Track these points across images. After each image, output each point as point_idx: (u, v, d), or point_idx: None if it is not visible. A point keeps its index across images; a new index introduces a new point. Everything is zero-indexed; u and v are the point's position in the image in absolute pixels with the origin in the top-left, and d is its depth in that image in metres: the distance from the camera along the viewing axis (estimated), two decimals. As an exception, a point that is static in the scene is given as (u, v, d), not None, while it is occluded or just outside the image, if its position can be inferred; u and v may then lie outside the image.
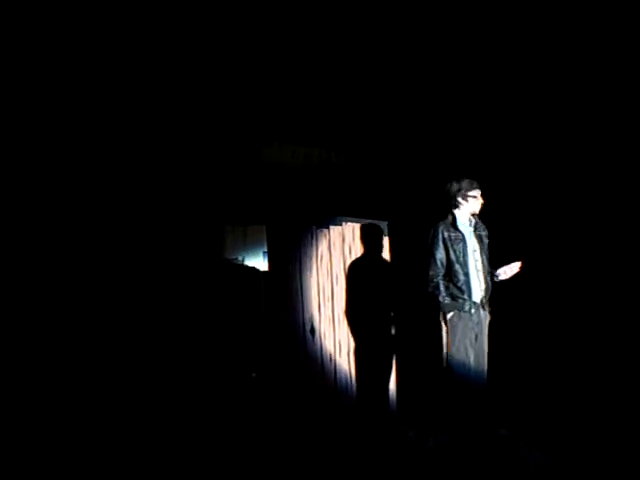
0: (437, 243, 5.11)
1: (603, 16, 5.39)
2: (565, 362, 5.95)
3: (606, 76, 5.72)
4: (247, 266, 9.31)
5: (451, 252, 5.09)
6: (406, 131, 6.51)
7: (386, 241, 6.50)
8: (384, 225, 6.50)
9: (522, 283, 5.36)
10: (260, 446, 5.25)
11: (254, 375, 7.99)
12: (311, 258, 6.35)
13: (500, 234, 5.48)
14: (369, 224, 6.30)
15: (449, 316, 5.05)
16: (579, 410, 5.49)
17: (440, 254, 5.10)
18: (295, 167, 6.84)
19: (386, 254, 6.47)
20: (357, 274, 6.15)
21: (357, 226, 6.50)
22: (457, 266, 5.07)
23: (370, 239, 6.18)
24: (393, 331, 6.16)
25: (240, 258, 9.46)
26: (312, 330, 6.28)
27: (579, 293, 5.96)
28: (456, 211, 5.19)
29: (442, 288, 5.06)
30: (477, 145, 6.29)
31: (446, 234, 5.11)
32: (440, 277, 5.08)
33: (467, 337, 5.03)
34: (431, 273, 5.10)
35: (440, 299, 5.05)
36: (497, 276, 5.21)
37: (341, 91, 6.14)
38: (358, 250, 6.42)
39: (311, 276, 6.35)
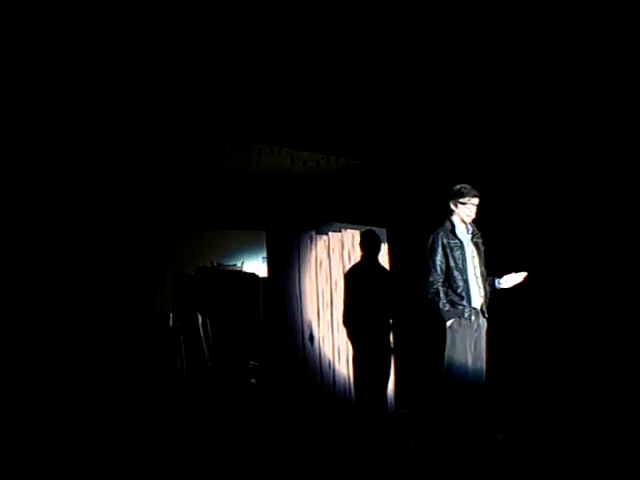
0: (436, 250, 5.09)
1: (603, 16, 5.39)
2: (563, 368, 5.96)
3: (606, 80, 5.72)
4: (246, 272, 9.37)
5: (450, 259, 5.08)
6: (406, 138, 6.52)
7: (385, 248, 6.51)
8: (383, 232, 6.50)
9: (521, 290, 5.35)
10: (260, 452, 5.25)
11: (253, 381, 8.02)
12: (310, 264, 6.34)
13: (501, 242, 5.49)
14: (368, 231, 6.31)
15: (449, 323, 5.02)
16: (577, 416, 5.49)
17: (439, 261, 5.07)
18: (295, 173, 6.86)
19: (385, 261, 6.48)
20: (355, 280, 6.14)
21: (356, 232, 6.49)
22: (456, 273, 5.05)
23: (369, 246, 6.18)
24: (391, 338, 6.17)
25: (239, 263, 9.52)
26: (311, 337, 6.28)
27: (577, 301, 5.97)
28: (453, 218, 5.19)
29: (442, 295, 5.03)
30: (478, 152, 6.30)
31: (445, 241, 5.09)
32: (440, 284, 5.06)
33: (466, 343, 5.00)
34: (431, 280, 5.08)
35: (440, 306, 5.02)
36: (500, 283, 5.21)
37: (341, 98, 6.14)
38: (357, 256, 6.42)
39: (310, 282, 6.34)
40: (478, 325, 5.09)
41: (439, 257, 5.08)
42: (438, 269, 5.07)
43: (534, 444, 5.02)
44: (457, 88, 6.07)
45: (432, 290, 5.07)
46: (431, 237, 5.15)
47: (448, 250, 5.08)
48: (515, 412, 5.69)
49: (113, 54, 5.42)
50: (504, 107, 6.13)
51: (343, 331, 6.28)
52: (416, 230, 5.81)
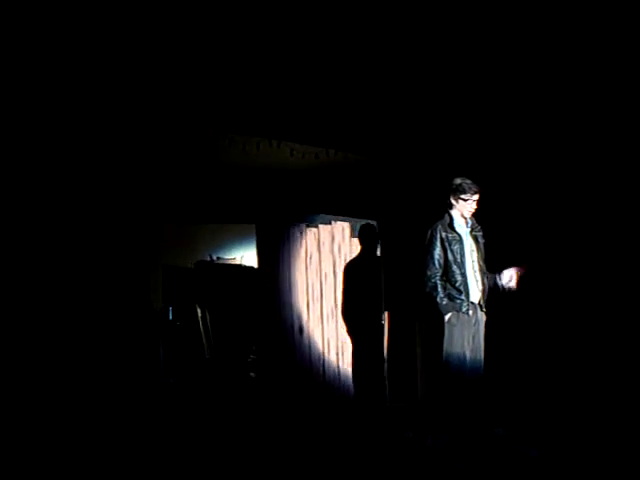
0: (435, 243, 5.06)
1: (603, 16, 5.33)
2: (561, 361, 5.92)
3: (606, 76, 5.66)
4: (245, 265, 9.36)
5: (448, 253, 5.05)
6: (400, 131, 6.48)
7: (377, 240, 6.49)
8: (375, 224, 6.48)
9: (520, 284, 5.29)
10: (253, 445, 5.24)
11: (252, 375, 8.03)
12: (300, 257, 6.33)
13: (501, 235, 5.45)
14: (366, 224, 6.30)
15: (447, 317, 5.00)
16: (575, 409, 5.45)
17: (438, 254, 5.05)
18: (290, 166, 6.84)
19: (377, 253, 6.45)
20: (353, 274, 6.14)
21: (346, 225, 6.48)
22: (454, 267, 5.03)
23: (367, 239, 6.17)
24: (385, 329, 6.14)
25: (239, 257, 9.51)
26: (300, 329, 6.28)
27: (574, 293, 5.92)
28: (452, 211, 5.14)
29: (440, 289, 5.01)
30: (473, 145, 6.24)
31: (443, 234, 5.06)
32: (438, 277, 5.03)
33: (464, 338, 5.00)
34: (429, 273, 5.05)
35: (438, 300, 5.00)
36: (501, 279, 5.15)
37: (337, 91, 6.11)
38: (347, 249, 6.41)
39: (300, 275, 6.34)
40: (476, 319, 5.08)
41: (437, 251, 5.06)
42: (436, 263, 5.05)
43: (533, 437, 4.98)
44: (451, 80, 6.02)
45: (430, 284, 5.04)
46: (429, 231, 5.12)
47: (446, 244, 5.06)
48: (514, 406, 5.65)
49: (111, 45, 5.41)
50: (500, 99, 6.07)
51: (333, 323, 6.28)
52: (408, 223, 5.79)
